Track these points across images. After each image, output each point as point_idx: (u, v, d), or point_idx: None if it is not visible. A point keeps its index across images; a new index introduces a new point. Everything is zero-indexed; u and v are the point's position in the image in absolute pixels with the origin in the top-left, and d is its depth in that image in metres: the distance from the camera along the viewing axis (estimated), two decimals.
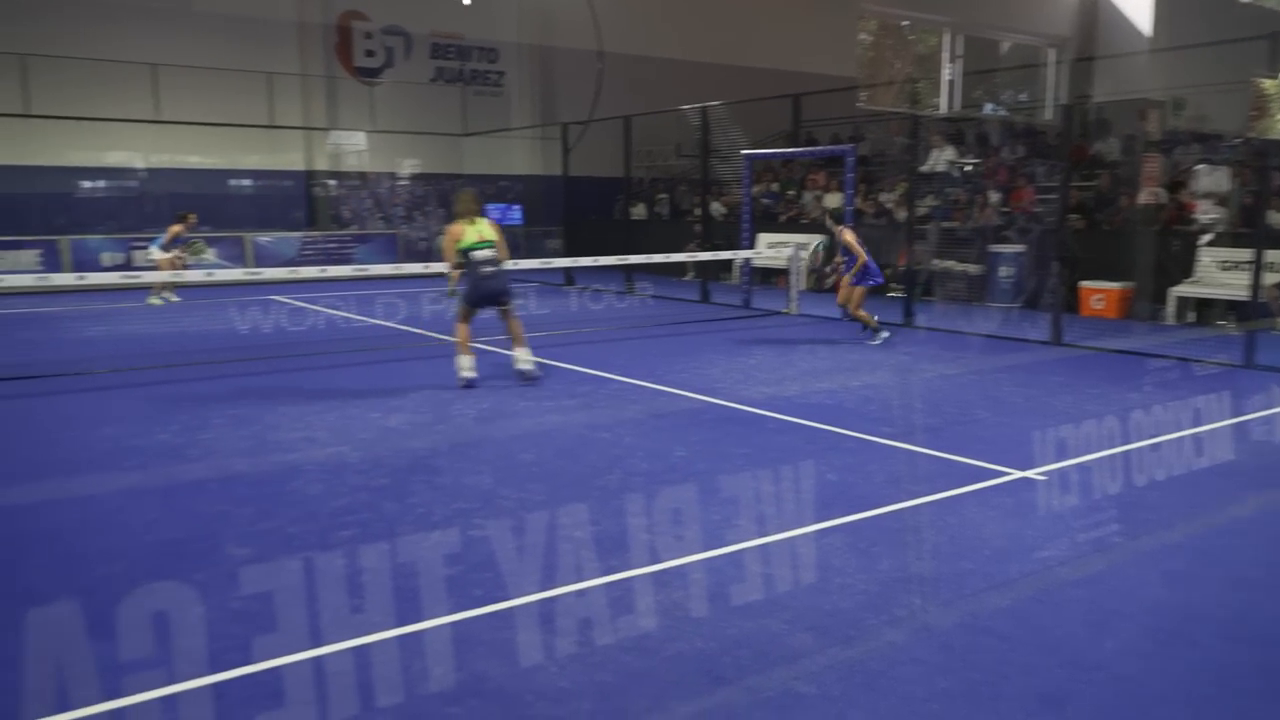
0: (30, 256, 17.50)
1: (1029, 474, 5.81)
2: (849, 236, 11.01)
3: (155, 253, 14.80)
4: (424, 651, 3.55)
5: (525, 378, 8.59)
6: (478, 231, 8.39)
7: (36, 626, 3.70)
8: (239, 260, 19.25)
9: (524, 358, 8.63)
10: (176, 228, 14.87)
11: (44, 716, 3.06)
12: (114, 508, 5.26)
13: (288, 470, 5.91)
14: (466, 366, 8.48)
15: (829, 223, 11.59)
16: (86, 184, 19.36)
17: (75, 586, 4.13)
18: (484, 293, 8.46)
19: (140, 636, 3.54)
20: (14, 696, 3.16)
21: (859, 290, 10.92)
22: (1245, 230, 12.42)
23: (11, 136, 17.63)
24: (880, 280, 11.11)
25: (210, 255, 16.57)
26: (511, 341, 8.76)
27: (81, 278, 10.65)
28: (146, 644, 3.48)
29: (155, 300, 15.23)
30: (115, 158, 19.46)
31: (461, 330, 8.55)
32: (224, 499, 5.35)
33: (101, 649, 3.46)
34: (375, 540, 4.67)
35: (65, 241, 17.92)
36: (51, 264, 17.50)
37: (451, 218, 8.62)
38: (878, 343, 10.86)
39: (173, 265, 14.48)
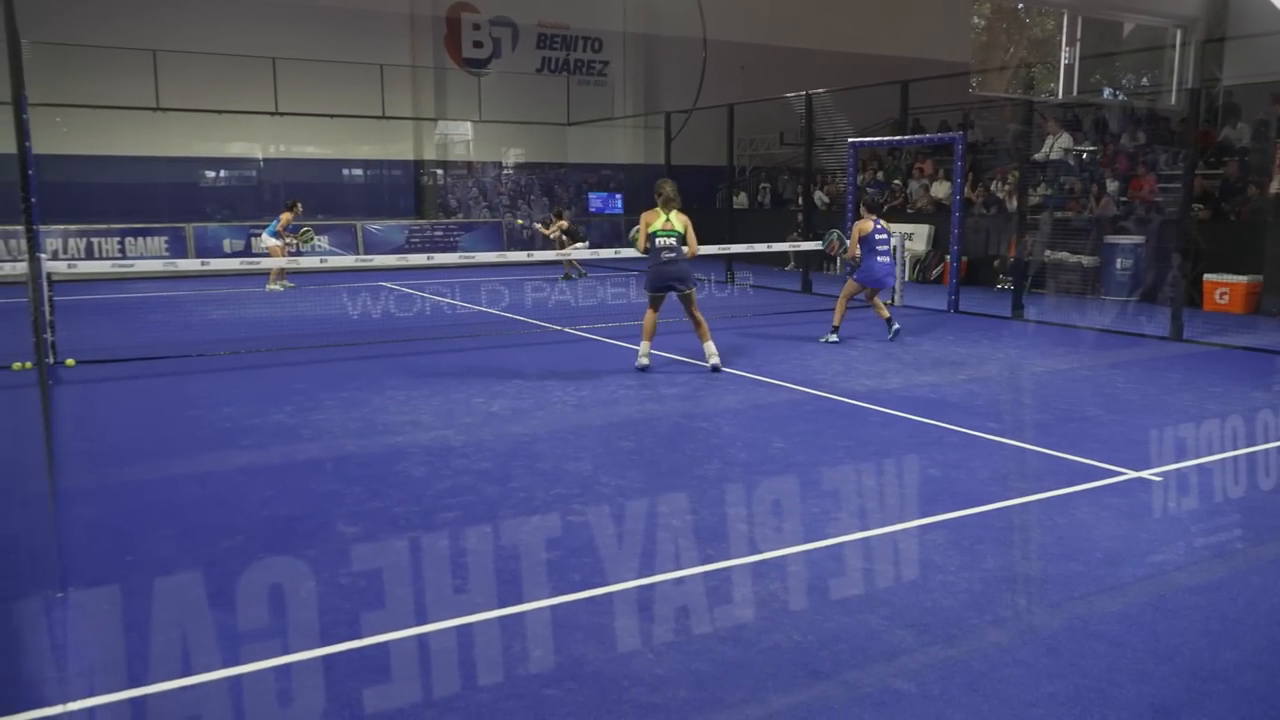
0: (158, 243, 18.42)
1: (1144, 474, 5.59)
2: (858, 225, 10.25)
3: (268, 240, 15.30)
4: (524, 633, 3.62)
5: (715, 370, 8.61)
6: (666, 220, 8.59)
7: (163, 595, 3.92)
8: (350, 247, 19.88)
9: (710, 351, 8.68)
10: (288, 215, 15.32)
11: (169, 679, 3.22)
12: (233, 484, 5.51)
13: (395, 452, 6.09)
14: (643, 352, 8.78)
15: (860, 208, 10.68)
16: (210, 174, 20.28)
17: (198, 558, 4.34)
18: (662, 277, 8.62)
19: (257, 608, 3.71)
20: (142, 661, 3.35)
21: (849, 283, 10.36)
22: None
23: (142, 129, 18.57)
24: (873, 284, 10.26)
25: (321, 242, 16.93)
26: (698, 336, 8.79)
27: (205, 263, 11.12)
28: (263, 615, 3.65)
29: (274, 286, 15.72)
30: (236, 148, 20.33)
31: (648, 316, 8.81)
32: (334, 478, 5.55)
33: (222, 618, 3.65)
34: (477, 522, 4.78)
35: (190, 229, 18.81)
36: (177, 250, 18.39)
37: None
38: (823, 340, 10.29)
39: (284, 252, 15.03)
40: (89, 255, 17.61)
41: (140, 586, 3.98)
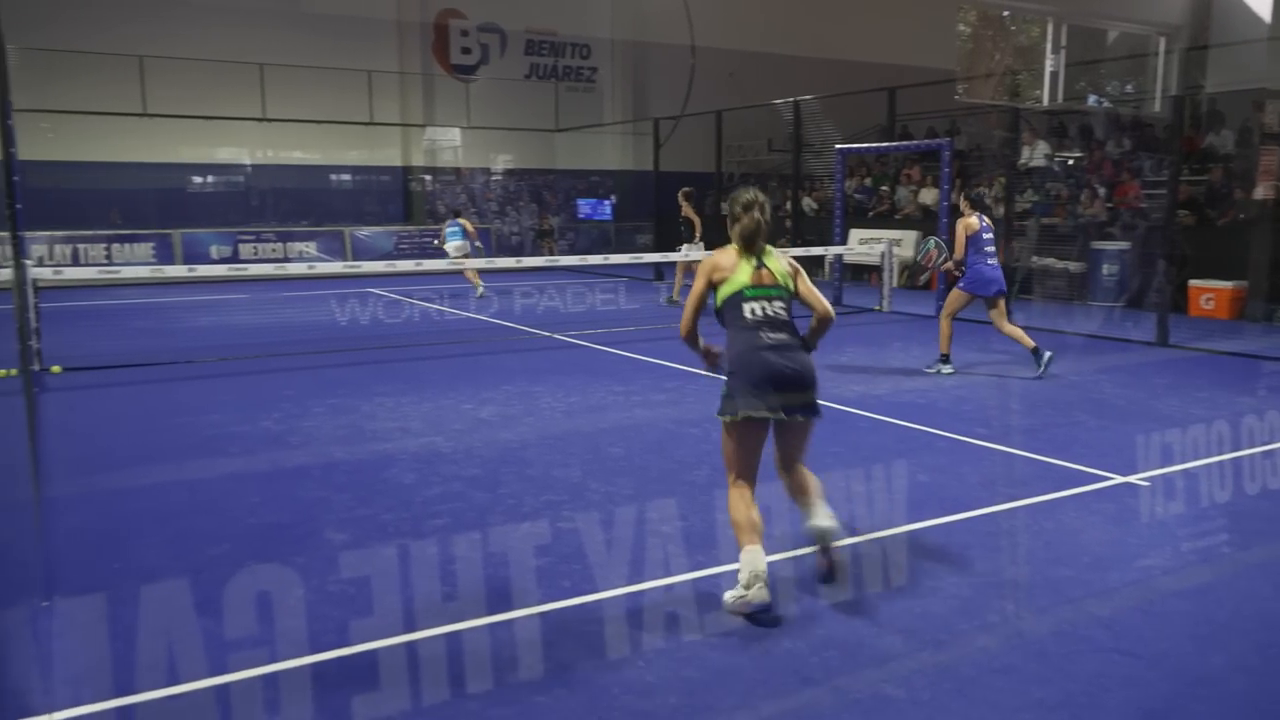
0: (145, 249, 18.33)
1: (1132, 479, 5.61)
2: (964, 223, 8.77)
3: (461, 245, 14.93)
4: (512, 640, 3.61)
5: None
6: (757, 266, 4.26)
7: (150, 602, 3.89)
8: (338, 254, 19.82)
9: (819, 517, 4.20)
10: (466, 221, 15.32)
11: (155, 688, 3.20)
12: (220, 491, 5.48)
13: (383, 459, 6.07)
14: (751, 571, 3.77)
15: (964, 204, 8.97)
16: (197, 179, 20.19)
17: (185, 566, 4.32)
18: (768, 380, 4.16)
19: (244, 616, 3.69)
20: (128, 669, 3.32)
21: (954, 296, 8.87)
22: None
23: (129, 134, 18.48)
24: (983, 292, 8.68)
25: (309, 247, 16.05)
26: (797, 498, 4.40)
27: (192, 269, 11.07)
28: (250, 623, 3.62)
29: (481, 289, 15.35)
30: (224, 154, 20.27)
31: (735, 498, 4.16)
32: (322, 485, 5.53)
33: (209, 626, 3.63)
34: (466, 529, 4.76)
35: (177, 235, 18.72)
36: (164, 256, 18.30)
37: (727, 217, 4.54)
38: (932, 371, 9.00)
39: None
40: (75, 261, 17.51)
41: (127, 594, 3.95)
